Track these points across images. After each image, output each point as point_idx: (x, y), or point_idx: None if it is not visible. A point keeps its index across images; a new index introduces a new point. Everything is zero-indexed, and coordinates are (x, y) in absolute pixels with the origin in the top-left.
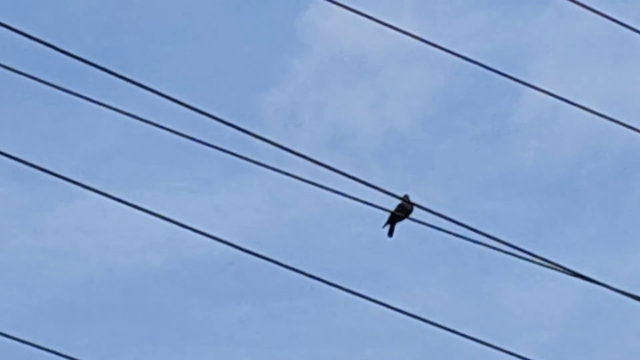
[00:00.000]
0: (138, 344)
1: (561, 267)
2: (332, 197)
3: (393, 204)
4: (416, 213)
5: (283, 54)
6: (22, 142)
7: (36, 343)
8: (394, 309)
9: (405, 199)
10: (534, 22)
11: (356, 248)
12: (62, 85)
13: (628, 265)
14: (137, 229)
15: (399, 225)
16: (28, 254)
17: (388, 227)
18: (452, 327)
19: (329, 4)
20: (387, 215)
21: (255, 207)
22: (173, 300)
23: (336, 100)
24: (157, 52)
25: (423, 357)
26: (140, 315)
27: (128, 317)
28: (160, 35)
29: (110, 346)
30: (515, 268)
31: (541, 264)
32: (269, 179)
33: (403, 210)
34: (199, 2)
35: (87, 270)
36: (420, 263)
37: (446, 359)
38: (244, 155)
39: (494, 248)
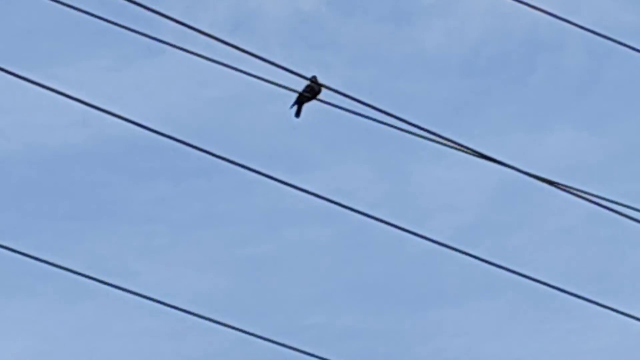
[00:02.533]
0: (56, 222)
1: (471, 149)
2: (247, 79)
3: (301, 84)
4: (324, 94)
5: None
6: None
7: None
8: (307, 192)
9: (314, 79)
10: None
11: (273, 129)
12: None
13: (541, 147)
14: (57, 107)
15: (307, 106)
16: None
17: (296, 107)
18: (368, 209)
19: None
20: (294, 96)
21: (174, 87)
22: (92, 179)
23: None
24: None
25: (341, 236)
26: (58, 194)
27: (46, 195)
28: None
29: (29, 223)
30: (429, 150)
31: (450, 147)
32: (186, 60)
33: (311, 91)
34: None
35: (6, 148)
36: (335, 144)
37: (364, 238)
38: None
39: (404, 130)
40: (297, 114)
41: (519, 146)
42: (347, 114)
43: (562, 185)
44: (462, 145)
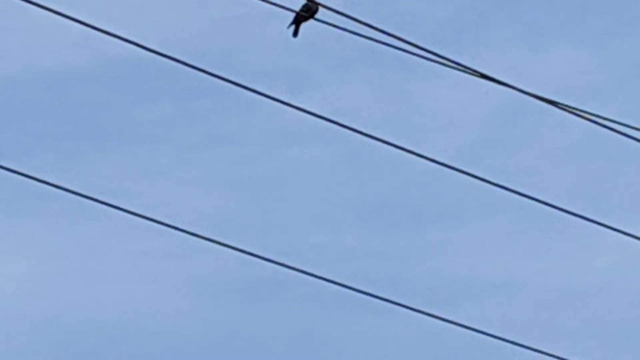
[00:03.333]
0: (59, 142)
1: (471, 69)
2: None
3: (298, 4)
4: (322, 13)
5: None
6: None
7: None
8: (307, 112)
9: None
10: None
11: (274, 49)
12: None
13: (542, 66)
14: (58, 27)
15: (305, 26)
16: None
17: (293, 27)
18: (369, 129)
19: None
20: (291, 15)
21: (175, 7)
22: (94, 99)
23: None
24: None
25: (342, 156)
26: (61, 114)
27: (49, 115)
28: None
29: (31, 144)
30: (430, 70)
31: (451, 66)
32: None
33: (308, 11)
34: None
35: (8, 68)
36: (335, 64)
37: (365, 158)
38: None
39: (403, 50)
40: (295, 34)
41: (519, 65)
42: (346, 33)
43: (562, 104)
44: (462, 65)
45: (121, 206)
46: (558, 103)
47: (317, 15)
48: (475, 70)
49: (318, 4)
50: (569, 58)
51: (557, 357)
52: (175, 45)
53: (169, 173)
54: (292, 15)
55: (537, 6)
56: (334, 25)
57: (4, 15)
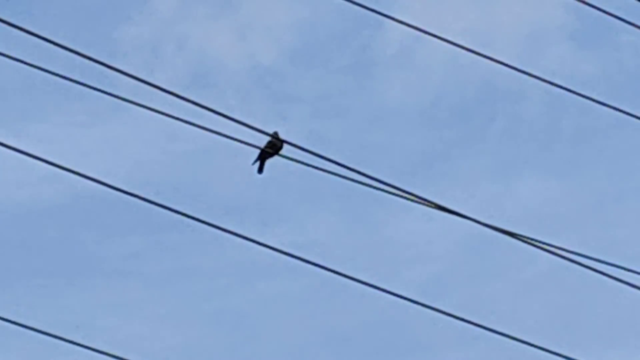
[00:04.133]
0: (28, 278)
1: (433, 203)
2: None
3: (262, 140)
4: (286, 149)
5: None
6: None
7: None
8: (274, 249)
9: (275, 135)
10: None
11: (242, 182)
12: None
13: (511, 196)
14: (26, 162)
15: (271, 162)
16: None
17: (258, 163)
18: (339, 261)
19: None
20: (257, 151)
21: (142, 142)
22: (64, 234)
23: (199, 34)
24: None
25: (311, 289)
26: (30, 249)
27: (18, 251)
28: None
29: (0, 280)
30: (395, 203)
31: (413, 200)
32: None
33: (273, 147)
34: None
35: None
36: (304, 197)
37: (334, 291)
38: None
39: (368, 185)
40: (260, 170)
41: (488, 197)
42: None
43: (522, 236)
44: (424, 199)
45: (89, 345)
46: (518, 235)
47: (282, 151)
48: (437, 204)
49: (282, 140)
50: (536, 188)
51: None
52: (143, 179)
53: (138, 308)
54: (256, 150)
55: (499, 137)
56: (299, 161)
57: None
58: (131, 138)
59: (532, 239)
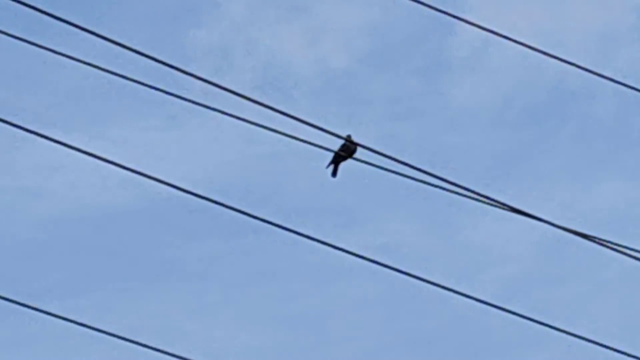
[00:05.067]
0: (108, 282)
1: (508, 206)
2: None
3: (334, 143)
4: (360, 153)
5: None
6: None
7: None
8: (350, 253)
9: (349, 138)
10: None
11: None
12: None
13: (590, 198)
14: (106, 166)
15: (346, 165)
16: None
17: (332, 166)
18: (416, 264)
19: None
20: (331, 155)
21: (219, 145)
22: (143, 238)
23: (269, 38)
24: None
25: (389, 292)
26: (110, 253)
27: (98, 255)
28: None
29: (80, 284)
30: (475, 205)
31: (488, 204)
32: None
33: (347, 150)
34: None
35: (57, 208)
36: (380, 200)
37: (412, 294)
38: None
39: (443, 188)
40: (334, 174)
41: (562, 198)
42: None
43: (598, 238)
44: (500, 202)
45: (167, 349)
46: (594, 237)
47: (356, 155)
48: (513, 207)
49: (356, 143)
50: (612, 189)
51: None
52: (220, 182)
53: (217, 311)
54: (331, 155)
55: (579, 138)
56: (373, 165)
57: (51, 155)
58: (207, 142)
59: (607, 241)
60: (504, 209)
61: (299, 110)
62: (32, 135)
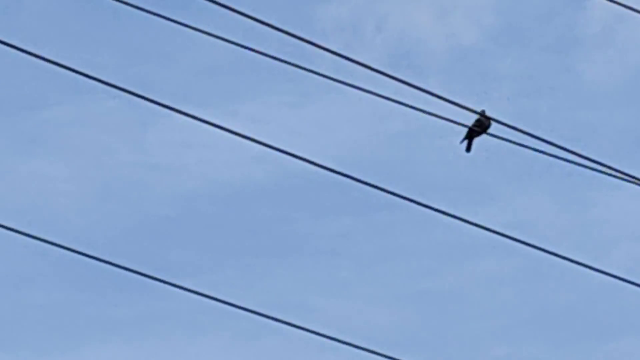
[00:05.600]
0: (239, 258)
1: None
2: (420, 114)
3: (467, 118)
4: (494, 128)
5: None
6: (125, 59)
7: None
8: (482, 227)
9: (483, 114)
10: None
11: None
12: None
13: None
14: (239, 142)
15: (478, 141)
16: (131, 169)
17: (466, 142)
18: (549, 241)
19: None
20: (464, 130)
21: (353, 122)
22: (274, 214)
23: (399, 14)
24: None
25: (521, 268)
26: (241, 229)
27: (231, 231)
28: None
29: (213, 260)
30: (610, 181)
31: (626, 180)
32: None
33: (481, 126)
34: None
35: (190, 184)
36: (513, 177)
37: (545, 270)
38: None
39: (578, 164)
40: (468, 149)
41: None
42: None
43: None
44: (635, 177)
45: (299, 324)
46: None
47: (490, 130)
48: None
49: (490, 118)
50: None
51: None
52: (353, 158)
53: (348, 287)
54: (464, 130)
55: None
56: (507, 140)
57: (184, 131)
58: (340, 118)
59: None
60: (638, 184)
61: (431, 86)
62: (166, 111)
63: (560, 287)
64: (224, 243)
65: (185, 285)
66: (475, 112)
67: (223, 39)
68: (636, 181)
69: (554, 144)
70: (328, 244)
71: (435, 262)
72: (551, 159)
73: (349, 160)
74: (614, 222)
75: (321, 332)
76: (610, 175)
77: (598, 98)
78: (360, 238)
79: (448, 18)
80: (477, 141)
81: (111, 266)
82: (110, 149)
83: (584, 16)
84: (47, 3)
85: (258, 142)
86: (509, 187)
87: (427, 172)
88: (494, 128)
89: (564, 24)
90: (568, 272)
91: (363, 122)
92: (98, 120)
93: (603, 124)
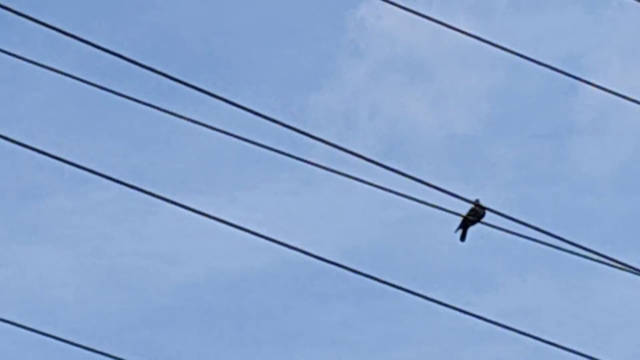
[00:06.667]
0: (240, 346)
1: (638, 270)
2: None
3: (464, 208)
4: (489, 217)
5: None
6: (125, 149)
7: (138, 348)
8: (480, 318)
9: (477, 203)
10: (593, 19)
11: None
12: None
13: None
14: (237, 232)
15: (474, 230)
16: (131, 258)
17: (460, 231)
18: (549, 328)
19: (381, 2)
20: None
21: (352, 209)
22: (274, 302)
23: (392, 102)
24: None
25: (525, 355)
26: (242, 318)
27: (230, 319)
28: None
29: (213, 348)
30: (603, 271)
31: (622, 269)
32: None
33: (475, 215)
34: (250, 3)
35: (190, 273)
36: (513, 265)
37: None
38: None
39: (576, 254)
40: (462, 238)
41: None
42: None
43: None
44: (634, 268)
45: None
46: None
47: (486, 219)
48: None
49: (485, 207)
50: None
51: None
52: (352, 247)
53: None
54: (458, 218)
55: None
56: (502, 229)
57: (184, 220)
58: (339, 206)
59: None
60: (636, 273)
61: (425, 175)
62: (164, 202)
63: None
64: (224, 332)
65: None
66: (469, 201)
67: (220, 130)
68: (634, 271)
69: (548, 232)
70: (328, 332)
71: (435, 350)
72: (548, 247)
73: (348, 249)
74: (614, 311)
75: None
76: (607, 264)
77: (593, 185)
78: (360, 326)
79: (441, 106)
80: (475, 230)
81: (110, 359)
82: (110, 237)
83: (577, 103)
84: (46, 94)
85: (253, 232)
86: (507, 275)
87: (425, 260)
88: (489, 217)
89: (558, 112)
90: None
91: (361, 211)
92: (98, 210)
93: (599, 212)
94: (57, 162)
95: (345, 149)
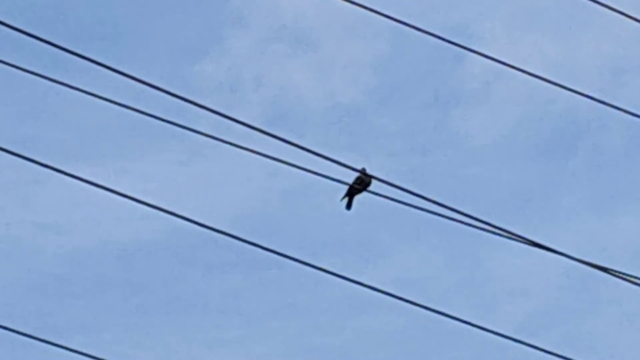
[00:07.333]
0: (129, 317)
1: (526, 239)
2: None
3: (350, 176)
4: (375, 185)
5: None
6: (12, 119)
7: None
8: (371, 288)
9: (363, 171)
10: None
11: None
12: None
13: (612, 231)
14: (126, 202)
15: (360, 198)
16: (19, 227)
17: (346, 199)
18: (439, 296)
19: None
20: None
21: (240, 179)
22: (164, 272)
23: (277, 72)
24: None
25: (410, 326)
26: (131, 288)
27: (119, 290)
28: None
29: (102, 319)
30: (490, 240)
31: (506, 237)
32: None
33: (361, 183)
34: None
35: (78, 242)
36: (402, 234)
37: (434, 327)
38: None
39: (459, 221)
40: (349, 206)
41: (584, 232)
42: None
43: (617, 272)
44: (520, 237)
45: None
46: (613, 271)
47: (372, 188)
48: (534, 242)
49: (371, 176)
50: (636, 223)
51: None
52: (238, 216)
53: (238, 345)
54: (344, 186)
55: (593, 170)
56: (388, 197)
57: (73, 190)
58: (226, 176)
59: (627, 274)
60: (525, 243)
61: (312, 144)
62: (53, 171)
63: (449, 345)
64: (112, 302)
65: (74, 346)
66: (355, 169)
67: (108, 99)
68: (520, 239)
69: (435, 201)
70: (217, 302)
71: (323, 319)
72: (436, 217)
73: (237, 218)
74: (501, 279)
75: None
76: (494, 233)
77: (479, 154)
78: (249, 296)
79: (327, 76)
80: (362, 199)
81: None
82: None
83: (463, 72)
84: None
85: (141, 201)
86: (395, 244)
87: (313, 229)
88: (376, 186)
89: (443, 81)
90: (456, 329)
91: (249, 180)
92: None
93: (485, 181)
94: None
95: (232, 117)
